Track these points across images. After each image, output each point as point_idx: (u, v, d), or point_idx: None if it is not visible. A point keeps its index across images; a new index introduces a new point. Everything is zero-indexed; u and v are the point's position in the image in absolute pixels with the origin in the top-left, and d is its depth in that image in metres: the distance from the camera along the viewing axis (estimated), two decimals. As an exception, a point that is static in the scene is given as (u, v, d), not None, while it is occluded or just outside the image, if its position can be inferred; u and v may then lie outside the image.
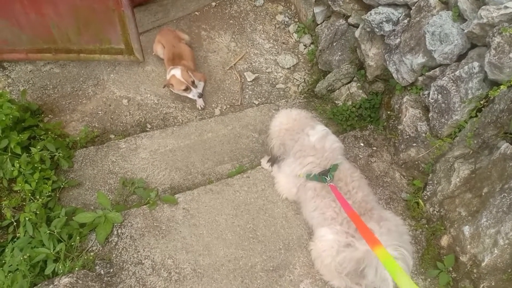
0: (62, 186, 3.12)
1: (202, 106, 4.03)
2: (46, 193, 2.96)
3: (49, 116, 3.79)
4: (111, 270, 2.62)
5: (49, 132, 3.47)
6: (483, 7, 2.49)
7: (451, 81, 2.66)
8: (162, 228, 2.79)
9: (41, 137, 3.37)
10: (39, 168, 3.03)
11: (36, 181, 2.97)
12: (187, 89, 3.68)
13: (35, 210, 2.80)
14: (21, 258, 2.52)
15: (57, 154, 3.18)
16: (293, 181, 2.75)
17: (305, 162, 2.62)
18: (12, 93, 3.88)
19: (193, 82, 3.68)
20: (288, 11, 4.83)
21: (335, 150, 2.66)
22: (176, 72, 3.64)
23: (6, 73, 4.05)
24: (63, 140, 3.48)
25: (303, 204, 2.72)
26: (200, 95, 3.75)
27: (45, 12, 3.70)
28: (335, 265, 2.28)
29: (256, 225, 2.81)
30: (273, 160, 2.92)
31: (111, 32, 3.86)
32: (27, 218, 2.73)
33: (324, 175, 2.51)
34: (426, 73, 2.94)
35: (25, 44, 3.94)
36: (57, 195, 3.12)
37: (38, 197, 2.92)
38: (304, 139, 2.68)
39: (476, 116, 2.54)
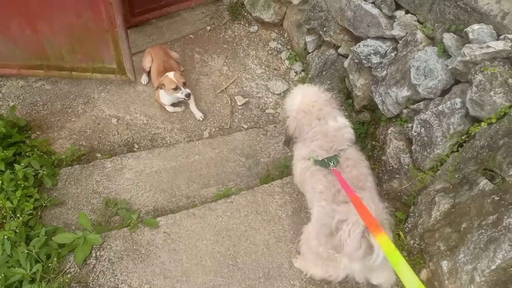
0: (44, 204, 3.09)
1: (202, 117, 4.09)
2: (28, 211, 2.94)
3: (37, 132, 3.78)
4: (87, 293, 2.58)
5: (35, 149, 3.47)
6: (467, 45, 2.56)
7: (434, 115, 2.70)
8: (141, 252, 2.76)
9: (27, 154, 3.37)
10: (22, 185, 3.01)
11: (18, 198, 2.95)
12: (176, 88, 3.76)
13: (15, 228, 2.78)
14: (-4, 278, 2.48)
15: (41, 171, 3.16)
16: (299, 164, 2.69)
17: (312, 145, 2.59)
18: (1, 108, 3.88)
19: (184, 84, 3.80)
20: (281, 38, 4.92)
21: (343, 137, 2.62)
22: (169, 74, 3.80)
23: (-3, 87, 4.07)
24: (48, 158, 3.47)
25: (303, 185, 2.67)
26: (189, 95, 3.82)
27: (40, 29, 3.75)
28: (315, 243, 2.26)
29: (237, 252, 2.78)
30: (288, 141, 2.88)
31: (104, 52, 3.91)
32: (6, 236, 2.69)
33: (328, 160, 2.46)
34: (411, 106, 2.99)
35: (18, 60, 3.98)
36: (39, 214, 3.09)
37: (19, 215, 2.89)
38: (323, 126, 2.64)
39: (458, 151, 2.57)
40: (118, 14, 3.55)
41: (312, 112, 2.70)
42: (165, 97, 3.94)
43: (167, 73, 3.82)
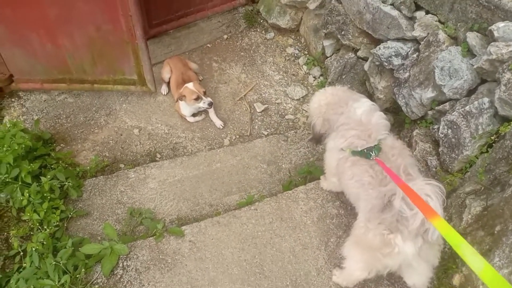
0: (70, 215, 3.13)
1: (222, 125, 4.10)
2: (54, 223, 2.98)
3: (61, 145, 3.84)
4: (115, 303, 2.58)
5: (60, 161, 3.52)
6: (492, 43, 2.50)
7: (461, 116, 2.64)
8: (167, 261, 2.76)
9: (52, 166, 3.43)
10: (48, 197, 3.06)
11: (45, 210, 3.00)
12: (198, 98, 3.78)
13: (42, 240, 2.82)
14: (26, 290, 2.51)
15: (66, 183, 3.21)
16: (336, 155, 2.65)
17: (347, 135, 2.55)
18: (26, 122, 3.96)
19: (204, 93, 3.82)
20: (298, 44, 4.91)
21: (380, 125, 2.57)
22: (189, 84, 3.83)
23: (21, 102, 4.15)
24: (73, 169, 3.52)
25: (341, 176, 2.62)
26: (211, 104, 3.84)
27: (61, 43, 3.82)
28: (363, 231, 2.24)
29: (263, 259, 2.76)
30: (317, 139, 2.86)
31: (125, 64, 3.96)
32: (34, 248, 2.73)
33: (369, 151, 2.42)
34: (436, 107, 2.93)
35: (40, 74, 4.06)
36: (65, 225, 3.13)
37: (46, 227, 2.94)
38: (350, 111, 2.61)
39: (487, 151, 2.50)
40: (138, 26, 3.58)
41: (334, 103, 2.70)
42: (186, 108, 3.96)
43: (186, 84, 3.85)
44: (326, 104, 2.72)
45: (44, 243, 2.81)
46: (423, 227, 2.00)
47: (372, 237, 2.18)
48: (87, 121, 4.06)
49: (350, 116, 2.59)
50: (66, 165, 3.55)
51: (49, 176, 3.14)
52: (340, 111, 2.64)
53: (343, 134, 2.56)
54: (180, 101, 3.90)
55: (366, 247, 2.25)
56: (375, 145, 2.42)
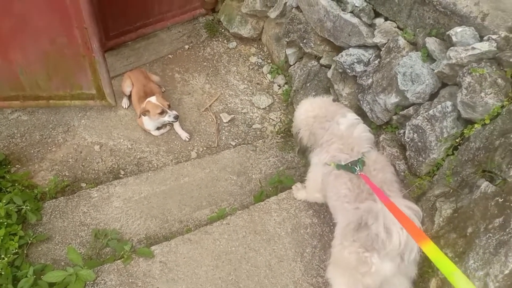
0: (30, 241, 2.94)
1: (188, 138, 3.99)
2: (13, 250, 2.80)
3: (17, 166, 3.61)
4: (83, 334, 2.42)
5: (16, 184, 3.31)
6: (451, 48, 2.57)
7: (426, 120, 2.69)
8: (138, 285, 2.62)
9: (8, 190, 3.22)
10: (5, 223, 2.87)
11: (2, 237, 2.80)
12: (163, 112, 3.65)
13: (0, 270, 2.62)
14: (-18, 327, 2.31)
15: (24, 207, 3.01)
16: (320, 170, 2.65)
17: (330, 149, 2.56)
18: (-23, 143, 3.70)
19: (169, 106, 3.70)
20: (261, 52, 4.90)
21: (362, 138, 2.60)
22: (151, 99, 3.69)
23: (-30, 122, 3.88)
24: (31, 192, 3.32)
25: (326, 191, 2.62)
26: (177, 117, 3.72)
27: (13, 58, 3.60)
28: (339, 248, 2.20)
29: (239, 276, 2.68)
30: (303, 152, 2.84)
31: (82, 78, 3.79)
32: (-10, 279, 2.54)
33: (354, 165, 2.42)
34: (400, 112, 2.98)
35: (-9, 92, 3.81)
36: (25, 252, 2.93)
37: (3, 255, 2.74)
38: (334, 127, 2.62)
39: (453, 154, 2.56)
40: (94, 39, 3.44)
41: (322, 116, 2.70)
42: (150, 123, 3.84)
43: (149, 98, 3.71)
44: (314, 116, 2.72)
45: (2, 273, 2.63)
46: (401, 248, 1.97)
47: (347, 255, 2.15)
48: (44, 139, 3.84)
49: (334, 131, 2.61)
50: (23, 188, 3.33)
51: (4, 201, 2.95)
52: (326, 126, 2.66)
53: (327, 149, 2.57)
54: (143, 116, 3.76)
55: (344, 266, 2.21)
56: (359, 158, 2.44)
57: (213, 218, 3.16)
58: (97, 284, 2.63)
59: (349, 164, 2.43)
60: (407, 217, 1.86)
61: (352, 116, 2.72)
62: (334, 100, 2.94)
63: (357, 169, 2.38)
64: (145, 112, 3.66)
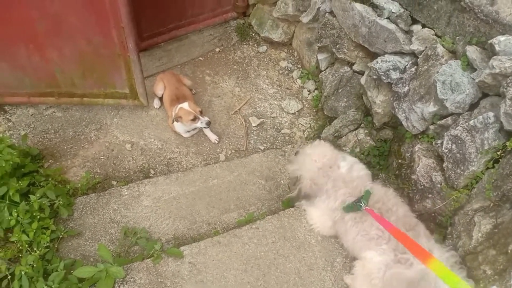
0: (61, 236, 2.98)
1: (217, 140, 4.00)
2: (44, 244, 2.83)
3: (50, 161, 3.69)
4: (112, 331, 2.44)
5: (49, 178, 3.36)
6: (495, 57, 2.50)
7: (466, 130, 2.62)
8: (167, 285, 2.62)
9: (41, 184, 3.27)
10: (38, 217, 2.91)
11: (34, 231, 2.85)
12: (195, 118, 3.65)
13: (32, 262, 2.66)
14: (15, 318, 2.35)
15: (57, 202, 3.05)
16: (329, 215, 2.75)
17: (338, 195, 2.67)
18: (13, 137, 3.78)
19: (201, 112, 3.70)
20: (291, 57, 4.88)
21: (362, 177, 2.72)
22: (184, 105, 3.69)
23: (7, 116, 3.98)
24: (63, 187, 3.36)
25: (343, 236, 2.71)
26: (209, 123, 3.71)
27: (50, 57, 3.68)
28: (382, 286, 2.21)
29: (267, 281, 2.65)
30: (301, 198, 2.92)
31: (116, 77, 3.85)
32: (23, 272, 2.58)
33: (358, 203, 2.52)
34: (438, 122, 2.91)
35: (27, 88, 3.90)
36: (56, 246, 2.97)
37: (35, 248, 2.79)
38: (336, 173, 2.74)
39: (493, 167, 2.48)
40: (130, 38, 3.49)
41: (325, 164, 2.80)
42: (181, 127, 3.86)
43: (181, 105, 3.70)
44: (319, 168, 2.81)
45: (34, 265, 2.65)
46: None
47: None
48: (77, 136, 3.91)
49: (336, 177, 2.73)
50: (56, 183, 3.38)
51: (38, 194, 2.98)
52: (329, 174, 2.76)
53: (334, 196, 2.69)
54: (175, 122, 3.77)
55: None
56: (362, 195, 2.55)
57: (241, 221, 3.15)
58: (127, 282, 2.65)
59: (354, 202, 2.55)
60: (411, 239, 1.99)
61: (350, 158, 2.85)
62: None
63: (362, 205, 2.50)
64: (177, 118, 3.67)
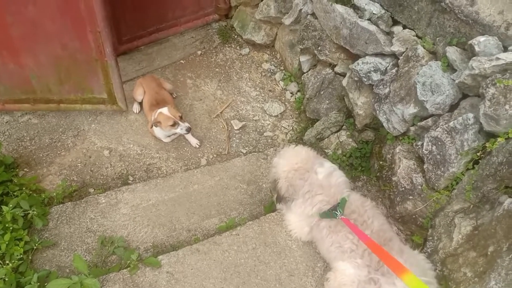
0: (35, 247, 2.88)
1: (198, 144, 3.93)
2: (17, 256, 2.74)
3: (25, 169, 3.58)
4: None
5: (24, 188, 3.26)
6: (474, 58, 2.48)
7: (446, 132, 2.60)
8: (143, 296, 2.55)
9: (15, 193, 3.16)
10: (11, 228, 2.81)
11: (7, 243, 2.75)
12: (174, 124, 3.56)
13: (4, 276, 2.57)
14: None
15: (31, 212, 2.95)
16: (306, 221, 2.73)
17: (314, 201, 2.62)
18: (-14, 146, 3.67)
19: (180, 117, 3.61)
20: (274, 59, 4.83)
21: (340, 185, 2.68)
22: (163, 110, 3.59)
23: (-19, 124, 3.87)
24: (38, 196, 3.26)
25: (319, 243, 2.70)
26: (189, 129, 3.62)
27: (25, 63, 3.59)
28: None
29: (247, 289, 2.60)
30: (280, 200, 2.86)
31: (94, 82, 3.76)
32: (-6, 286, 2.49)
33: (334, 210, 2.50)
34: (418, 123, 2.88)
35: (2, 95, 3.80)
36: (30, 258, 2.87)
37: (8, 261, 2.70)
38: (313, 177, 2.69)
39: (473, 168, 2.46)
40: (107, 43, 3.41)
41: (301, 167, 2.75)
42: (161, 132, 3.78)
43: (160, 110, 3.60)
44: (295, 170, 2.76)
45: (6, 279, 2.57)
46: None
47: None
48: (53, 143, 3.81)
49: (313, 182, 2.68)
50: (30, 192, 3.28)
51: (11, 205, 2.88)
52: (305, 177, 2.71)
53: (310, 202, 2.65)
54: (154, 127, 3.69)
55: None
56: (338, 203, 2.53)
57: (222, 228, 3.08)
58: (102, 293, 2.57)
59: (331, 210, 2.52)
60: (387, 252, 1.99)
61: (329, 165, 2.80)
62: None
63: (338, 213, 2.47)
64: (156, 123, 3.59)
